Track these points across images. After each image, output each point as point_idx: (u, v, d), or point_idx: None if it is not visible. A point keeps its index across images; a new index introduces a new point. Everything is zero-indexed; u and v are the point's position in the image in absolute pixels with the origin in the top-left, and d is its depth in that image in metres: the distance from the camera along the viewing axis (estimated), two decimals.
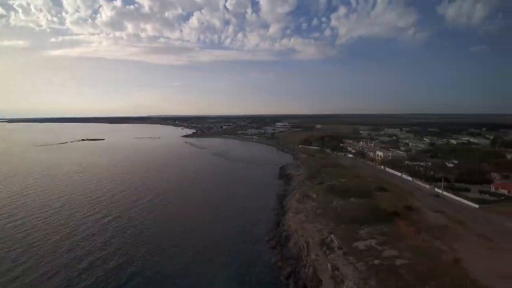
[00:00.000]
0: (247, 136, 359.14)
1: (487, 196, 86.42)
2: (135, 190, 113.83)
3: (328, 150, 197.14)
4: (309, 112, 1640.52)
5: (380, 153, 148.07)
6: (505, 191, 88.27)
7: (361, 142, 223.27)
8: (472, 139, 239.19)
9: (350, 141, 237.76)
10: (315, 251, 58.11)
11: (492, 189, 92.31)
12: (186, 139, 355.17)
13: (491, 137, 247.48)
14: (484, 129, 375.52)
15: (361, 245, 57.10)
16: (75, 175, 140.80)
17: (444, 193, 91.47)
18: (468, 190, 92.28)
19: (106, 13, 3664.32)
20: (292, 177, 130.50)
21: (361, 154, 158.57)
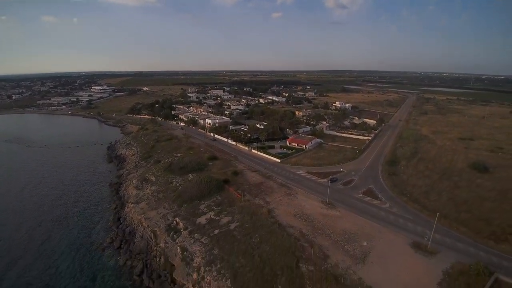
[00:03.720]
0: (54, 107, 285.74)
1: (285, 150, 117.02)
2: None
3: (160, 119, 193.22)
4: (131, 69, 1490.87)
5: (209, 121, 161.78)
6: (295, 145, 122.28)
7: (191, 107, 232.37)
8: (274, 98, 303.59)
9: (181, 107, 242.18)
10: (163, 239, 61.32)
11: (288, 143, 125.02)
12: None
13: (286, 95, 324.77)
14: (282, 86, 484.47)
15: (202, 220, 65.48)
16: None
17: (258, 152, 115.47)
18: (273, 147, 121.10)
19: None
20: (125, 158, 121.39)
21: (193, 122, 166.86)
